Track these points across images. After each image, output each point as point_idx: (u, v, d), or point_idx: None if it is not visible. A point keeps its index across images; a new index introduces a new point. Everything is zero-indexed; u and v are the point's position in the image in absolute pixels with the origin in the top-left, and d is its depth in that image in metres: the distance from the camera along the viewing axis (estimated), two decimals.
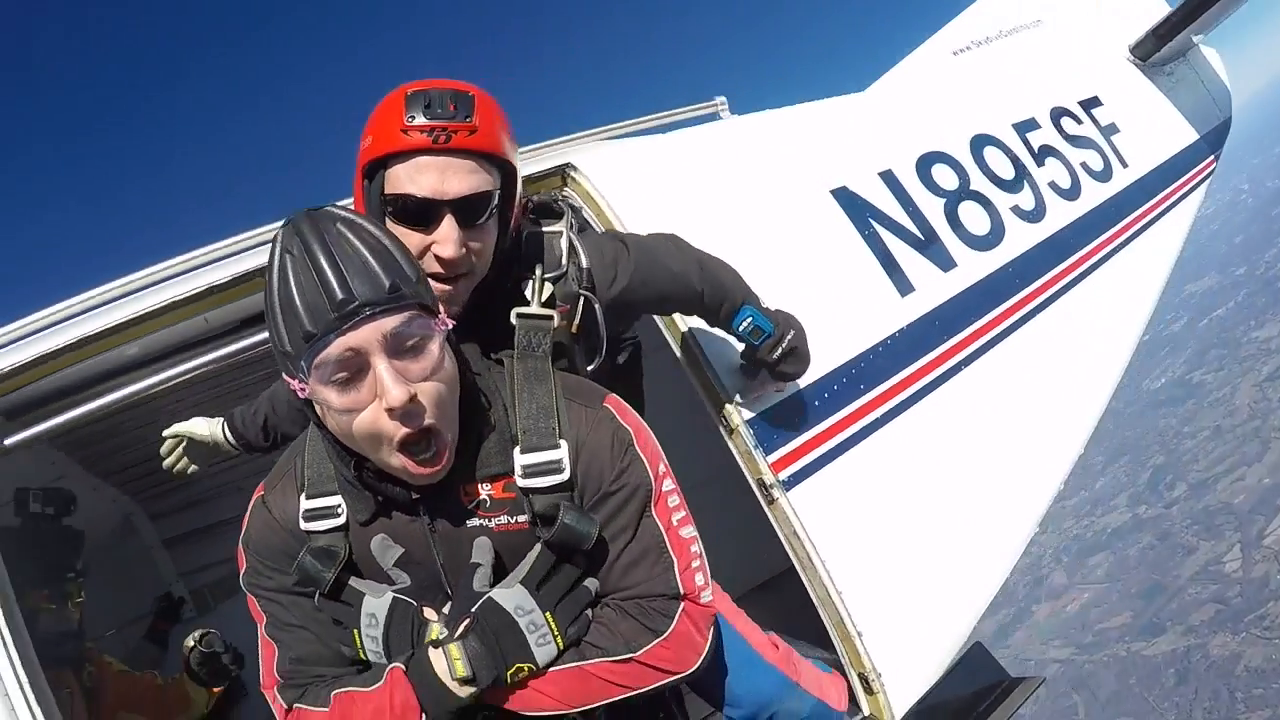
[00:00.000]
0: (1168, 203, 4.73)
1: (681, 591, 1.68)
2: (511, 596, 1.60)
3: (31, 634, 2.15)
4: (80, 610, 3.17)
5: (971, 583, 2.94)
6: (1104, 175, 4.47)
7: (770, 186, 3.38)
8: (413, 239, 1.72)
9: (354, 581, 1.66)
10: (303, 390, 1.48)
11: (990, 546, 3.06)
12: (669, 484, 1.74)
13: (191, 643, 3.22)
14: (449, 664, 1.57)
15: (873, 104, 4.30)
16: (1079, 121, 4.61)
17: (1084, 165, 4.39)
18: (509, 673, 1.60)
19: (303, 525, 1.70)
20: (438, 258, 1.75)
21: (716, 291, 2.32)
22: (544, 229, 2.06)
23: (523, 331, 1.82)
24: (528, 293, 1.93)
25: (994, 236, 3.72)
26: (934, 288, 3.39)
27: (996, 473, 3.17)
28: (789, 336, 2.44)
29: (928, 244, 3.50)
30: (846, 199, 3.44)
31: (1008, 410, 3.31)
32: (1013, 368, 3.40)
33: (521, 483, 1.63)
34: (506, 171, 1.83)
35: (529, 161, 3.00)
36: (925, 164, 3.75)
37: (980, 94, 4.45)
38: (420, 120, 1.69)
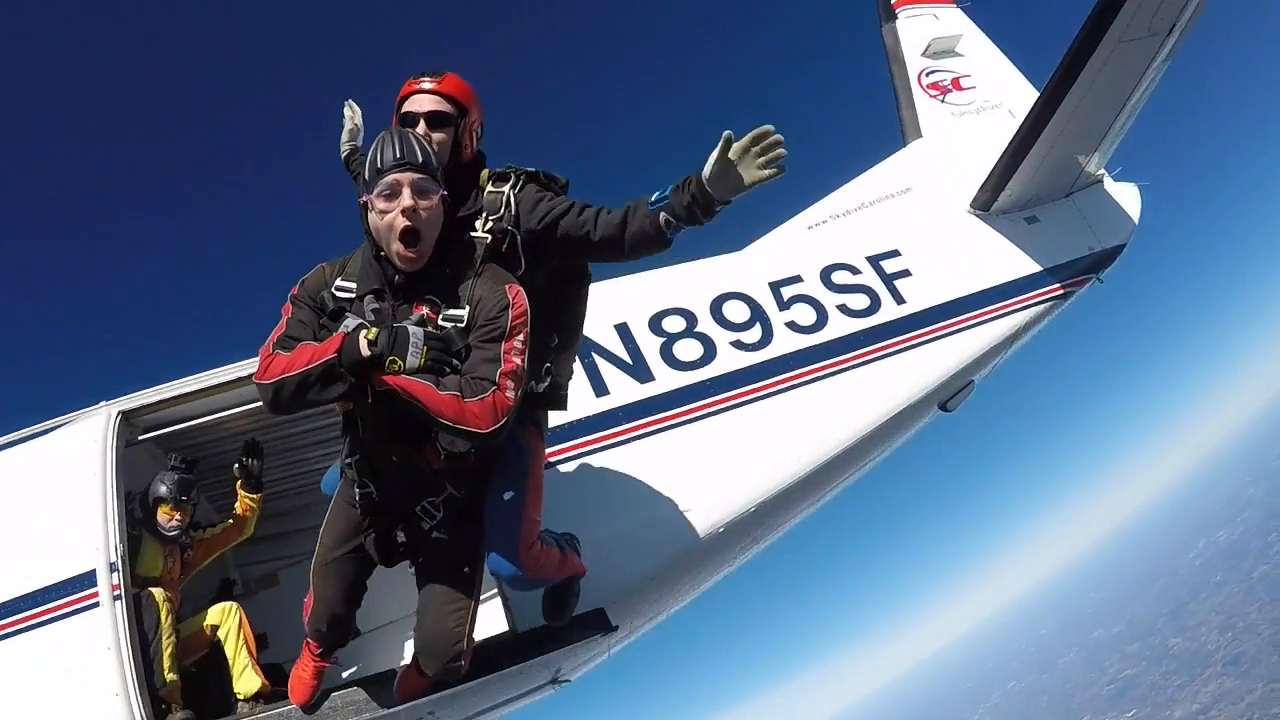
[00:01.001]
0: (951, 329, 5.72)
1: (495, 385, 2.93)
2: (411, 328, 2.92)
3: None
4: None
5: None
6: (866, 312, 5.68)
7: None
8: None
9: (347, 315, 3.10)
10: (365, 198, 3.01)
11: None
12: (519, 341, 3.02)
13: None
14: (365, 336, 2.89)
15: (690, 269, 6.02)
16: (856, 272, 5.87)
17: (841, 306, 5.66)
18: (390, 358, 2.85)
19: (333, 287, 3.20)
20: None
21: (610, 212, 3.31)
22: (499, 188, 3.45)
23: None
24: (478, 224, 3.38)
25: (701, 361, 5.28)
26: (626, 392, 5.09)
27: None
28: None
29: (635, 367, 5.21)
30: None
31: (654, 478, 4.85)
32: (668, 453, 4.93)
33: (440, 319, 3.06)
34: (460, 108, 3.41)
35: None
36: (658, 317, 5.48)
37: (767, 260, 5.97)
38: (417, 78, 3.44)
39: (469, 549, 3.47)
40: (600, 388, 5.10)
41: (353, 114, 4.62)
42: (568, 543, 4.08)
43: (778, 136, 2.94)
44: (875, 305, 5.74)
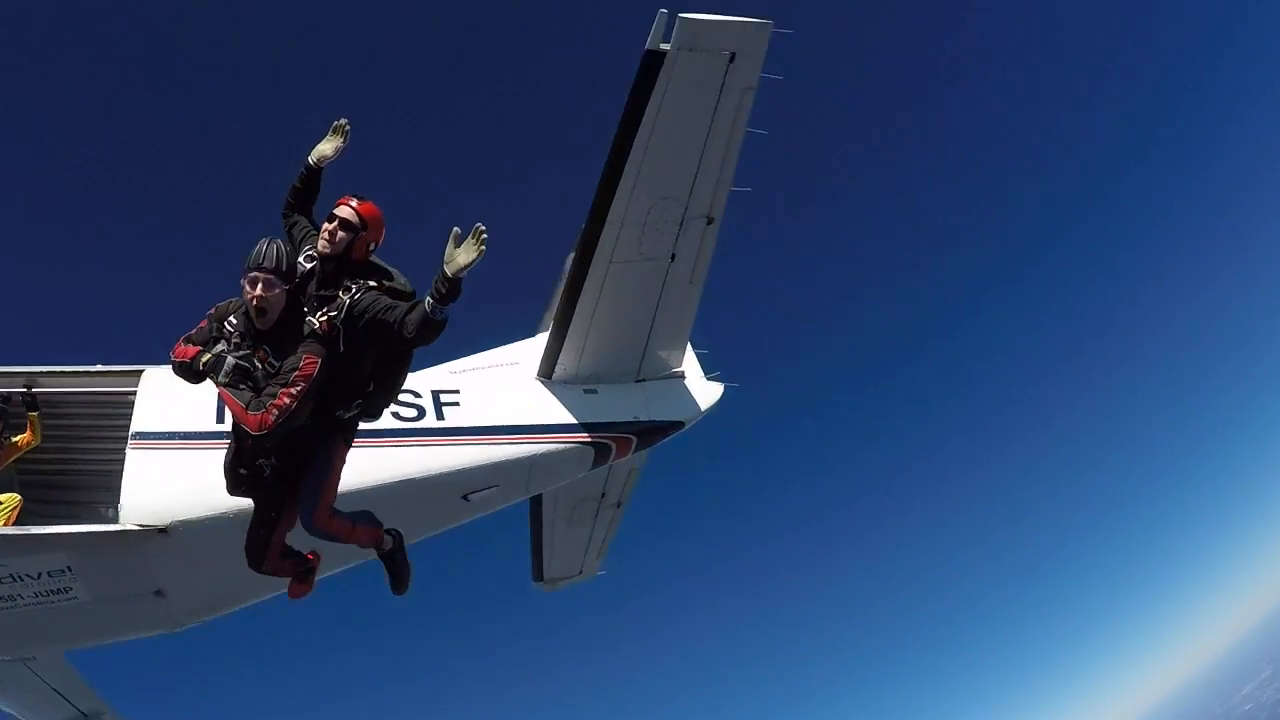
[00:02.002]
0: (465, 442, 7.69)
1: (266, 409, 4.89)
2: (228, 359, 5.01)
3: None
4: None
5: None
6: (412, 419, 7.71)
7: None
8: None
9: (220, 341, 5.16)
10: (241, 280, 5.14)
11: None
12: (296, 389, 4.94)
13: None
14: (204, 357, 5.06)
15: None
16: (418, 396, 7.96)
17: (396, 414, 7.69)
18: (210, 372, 5.01)
19: (225, 321, 5.20)
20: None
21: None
22: (344, 294, 5.21)
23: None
24: (318, 315, 5.18)
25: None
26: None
27: None
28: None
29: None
30: None
31: None
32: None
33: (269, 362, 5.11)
34: (363, 224, 5.41)
35: None
36: None
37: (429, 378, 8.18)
38: (351, 197, 5.52)
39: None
40: None
41: (338, 138, 5.88)
42: (364, 519, 5.87)
43: (484, 230, 4.93)
44: (420, 416, 7.79)
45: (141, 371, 7.43)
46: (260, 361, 5.07)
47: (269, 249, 5.16)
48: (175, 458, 7.03)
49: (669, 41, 6.82)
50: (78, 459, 7.59)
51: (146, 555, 6.80)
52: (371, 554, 6.13)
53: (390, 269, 5.61)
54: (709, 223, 8.00)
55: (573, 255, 8.27)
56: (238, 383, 5.03)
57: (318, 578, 6.22)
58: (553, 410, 8.22)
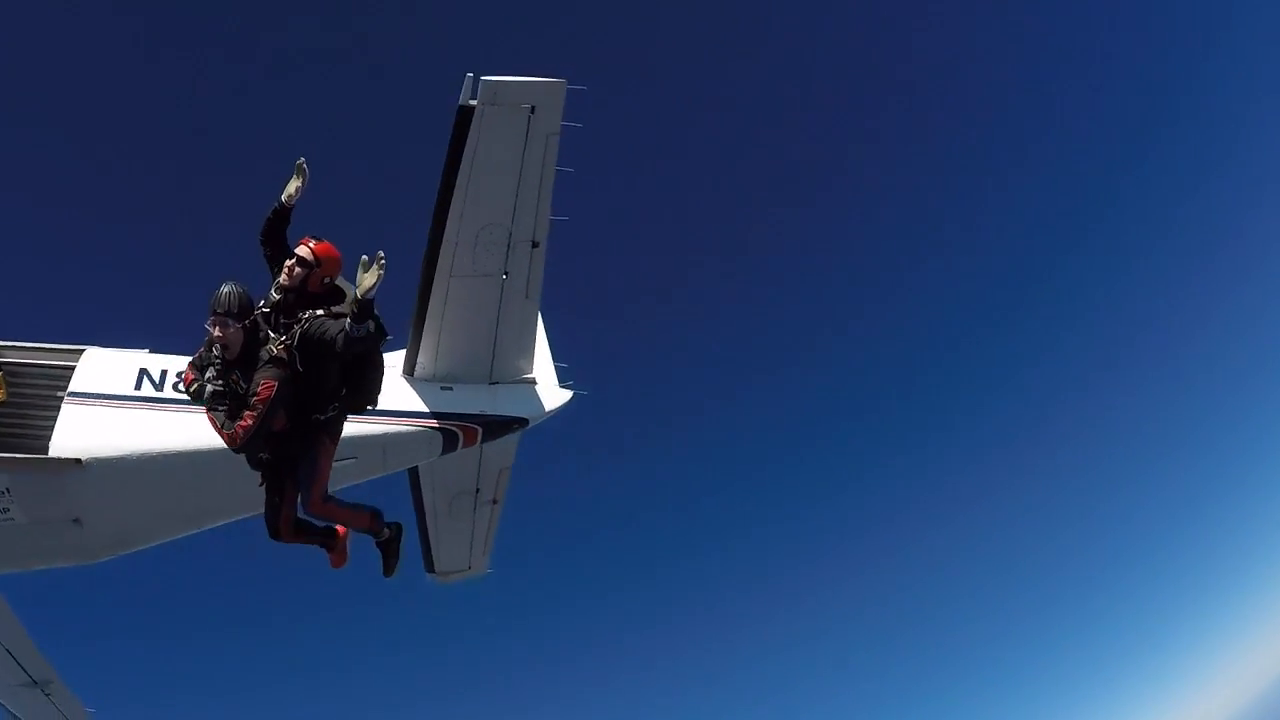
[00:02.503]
0: None
1: (234, 430, 6.65)
2: (208, 387, 6.77)
3: None
4: None
5: None
6: None
7: None
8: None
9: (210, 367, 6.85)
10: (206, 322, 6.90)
11: None
12: (258, 412, 6.60)
13: None
14: (190, 385, 6.96)
15: None
16: None
17: None
18: (197, 397, 6.87)
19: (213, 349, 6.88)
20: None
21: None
22: (297, 324, 6.88)
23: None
24: (274, 342, 6.80)
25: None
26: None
27: None
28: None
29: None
30: None
31: None
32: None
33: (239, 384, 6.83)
34: (317, 262, 7.06)
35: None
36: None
37: None
38: (310, 238, 7.21)
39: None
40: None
41: (299, 177, 7.22)
42: (361, 507, 7.54)
43: (383, 256, 6.52)
44: None
45: (83, 350, 9.71)
46: (233, 384, 6.68)
47: (226, 295, 6.68)
48: (98, 412, 9.17)
49: (476, 98, 8.85)
50: (27, 414, 9.83)
51: (65, 484, 8.84)
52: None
53: (346, 288, 7.17)
54: (534, 245, 9.77)
55: None
56: (217, 405, 6.67)
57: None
58: (408, 399, 9.96)
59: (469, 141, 9.02)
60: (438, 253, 9.57)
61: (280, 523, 7.38)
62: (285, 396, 6.66)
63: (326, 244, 7.12)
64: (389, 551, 7.71)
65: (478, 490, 11.08)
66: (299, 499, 7.21)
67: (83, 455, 8.85)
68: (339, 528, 7.67)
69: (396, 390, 10.08)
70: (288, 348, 6.77)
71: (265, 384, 6.58)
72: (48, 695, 11.89)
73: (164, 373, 9.50)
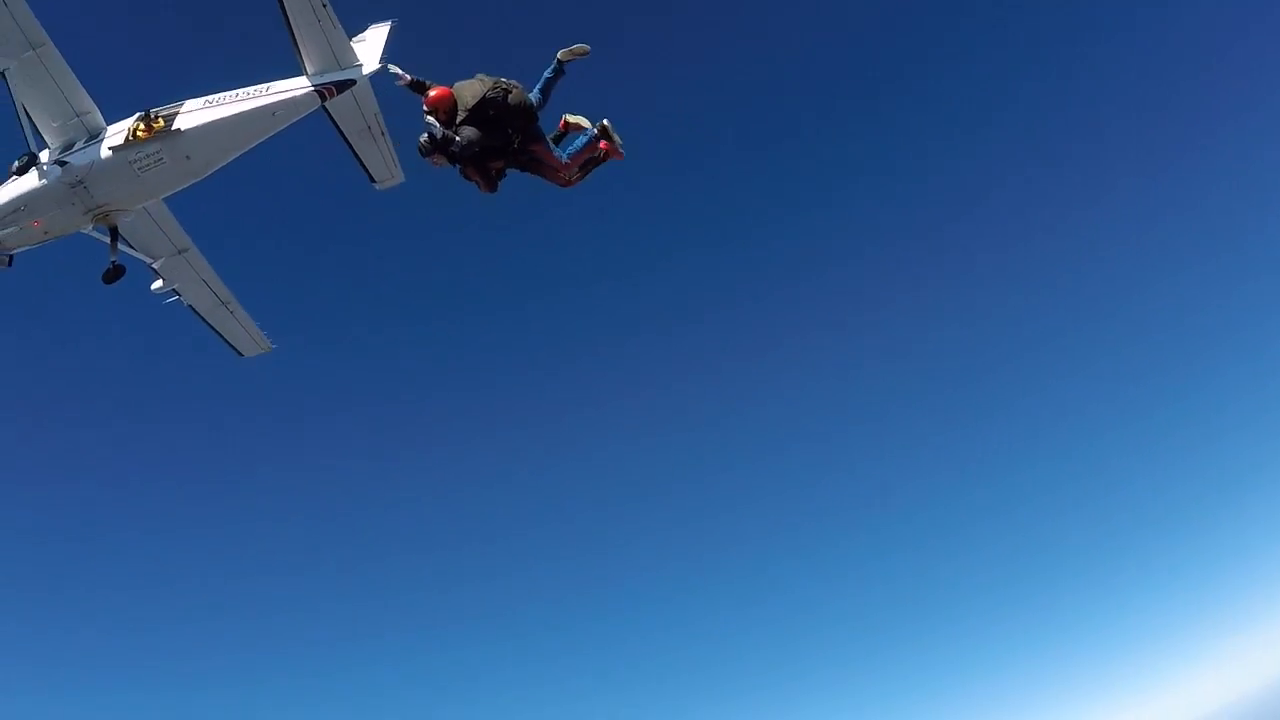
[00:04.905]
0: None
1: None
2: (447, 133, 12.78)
3: None
4: None
5: None
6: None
7: None
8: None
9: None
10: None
11: None
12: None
13: None
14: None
15: None
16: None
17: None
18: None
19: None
20: None
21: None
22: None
23: None
24: None
25: None
26: None
27: None
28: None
29: None
30: None
31: None
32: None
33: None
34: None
35: None
36: None
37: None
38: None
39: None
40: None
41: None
42: (581, 148, 12.44)
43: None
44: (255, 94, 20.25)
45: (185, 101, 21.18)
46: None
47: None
48: (190, 113, 20.59)
49: None
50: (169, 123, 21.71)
51: (178, 140, 20.44)
52: None
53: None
54: None
55: None
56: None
57: None
58: (299, 83, 19.85)
59: None
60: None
61: (551, 170, 12.49)
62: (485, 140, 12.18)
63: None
64: (596, 160, 12.69)
65: (368, 127, 20.66)
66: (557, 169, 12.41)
67: (183, 128, 20.33)
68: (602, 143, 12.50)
69: (294, 82, 20.16)
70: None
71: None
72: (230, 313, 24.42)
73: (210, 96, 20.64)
